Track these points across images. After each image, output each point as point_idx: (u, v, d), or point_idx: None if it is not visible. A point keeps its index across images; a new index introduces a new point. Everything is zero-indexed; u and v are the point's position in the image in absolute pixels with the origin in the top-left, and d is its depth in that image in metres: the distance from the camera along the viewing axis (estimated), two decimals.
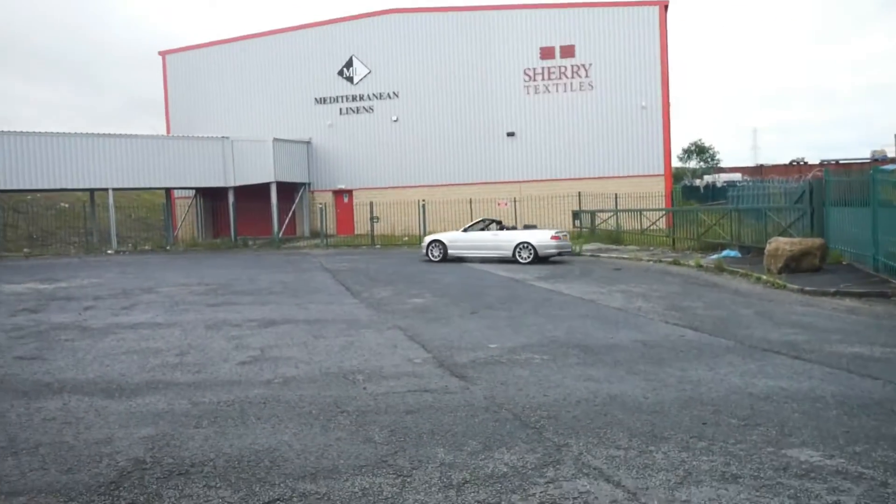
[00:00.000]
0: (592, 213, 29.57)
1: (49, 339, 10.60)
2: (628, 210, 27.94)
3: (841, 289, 13.37)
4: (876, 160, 54.60)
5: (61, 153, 31.66)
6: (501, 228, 22.60)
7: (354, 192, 36.88)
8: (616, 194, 30.18)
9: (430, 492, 4.75)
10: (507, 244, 21.62)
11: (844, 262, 16.38)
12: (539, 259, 21.04)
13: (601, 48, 33.68)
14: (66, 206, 42.03)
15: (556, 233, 21.55)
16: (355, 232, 35.97)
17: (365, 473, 5.09)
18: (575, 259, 21.82)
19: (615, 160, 33.66)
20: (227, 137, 35.57)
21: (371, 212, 32.18)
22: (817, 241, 16.08)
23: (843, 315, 11.36)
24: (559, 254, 21.50)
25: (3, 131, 31.17)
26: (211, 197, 38.78)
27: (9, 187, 31.27)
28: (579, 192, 31.83)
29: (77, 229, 37.69)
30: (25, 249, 33.30)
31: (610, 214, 28.47)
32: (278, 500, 4.69)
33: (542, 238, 21.22)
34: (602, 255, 22.36)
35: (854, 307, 12.05)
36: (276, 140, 34.63)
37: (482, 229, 22.86)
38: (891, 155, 61.90)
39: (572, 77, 34.09)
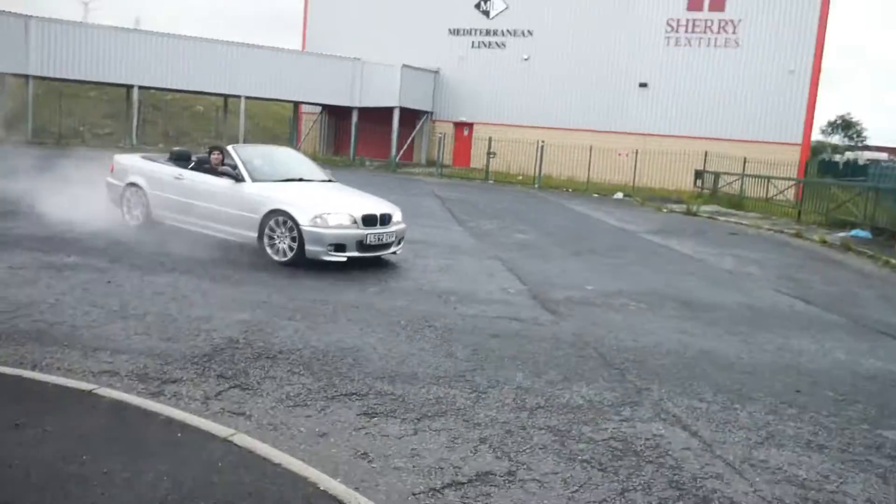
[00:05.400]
0: (716, 175, 28.30)
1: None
2: (755, 176, 26.54)
3: None
4: None
5: (201, 58, 32.85)
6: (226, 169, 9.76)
7: (475, 126, 36.66)
8: (745, 158, 28.69)
9: (502, 410, 4.78)
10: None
11: None
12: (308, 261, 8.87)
13: (755, 4, 31.59)
14: (201, 109, 43.96)
15: (359, 212, 9.04)
16: (471, 165, 35.90)
17: (442, 384, 5.17)
18: (691, 219, 21.02)
19: (750, 123, 31.83)
20: (359, 59, 35.91)
21: (489, 147, 31.98)
22: None
23: None
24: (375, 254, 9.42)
25: (145, 31, 32.67)
26: (335, 115, 39.51)
27: (149, 84, 32.88)
28: (706, 152, 30.47)
29: (209, 132, 39.41)
30: (160, 145, 35.19)
31: (735, 178, 27.17)
32: (355, 394, 4.85)
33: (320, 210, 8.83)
34: (720, 217, 21.43)
35: None
36: (404, 66, 34.69)
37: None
38: None
39: (718, 32, 32.22)
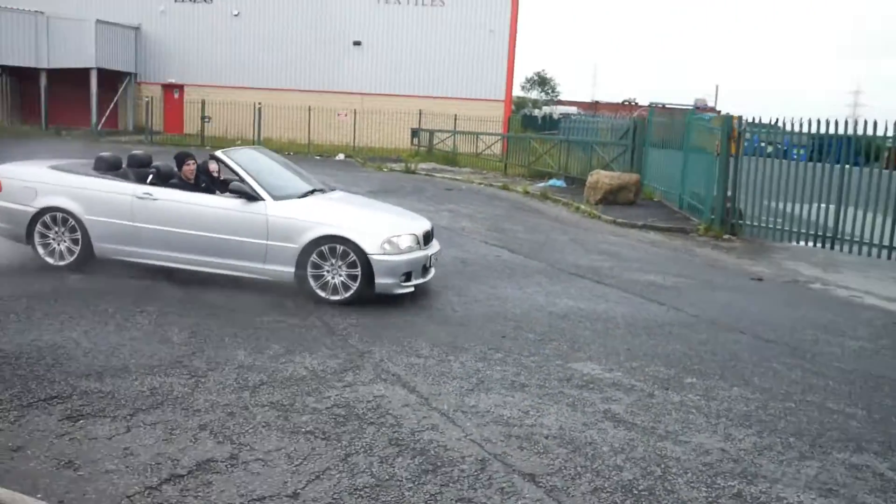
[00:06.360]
0: (431, 133, 29.68)
1: None
2: (466, 133, 28.28)
3: (648, 222, 14.35)
4: (697, 108, 58.58)
5: None
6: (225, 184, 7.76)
7: (186, 88, 34.59)
8: (455, 115, 30.41)
9: (223, 392, 4.67)
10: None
11: (656, 199, 17.55)
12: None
13: None
14: None
15: (420, 229, 7.52)
16: (184, 131, 33.91)
17: (157, 373, 4.91)
18: (410, 177, 21.89)
19: (458, 81, 33.72)
20: (42, 12, 31.97)
21: (203, 110, 30.45)
22: (634, 176, 17.09)
23: (646, 246, 12.24)
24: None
25: None
26: (20, 78, 34.95)
27: None
28: (420, 110, 31.75)
29: None
30: None
31: (448, 135, 28.72)
32: (56, 397, 4.43)
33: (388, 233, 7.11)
34: (436, 174, 22.58)
35: (656, 240, 13.00)
36: (99, 21, 31.54)
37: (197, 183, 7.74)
38: (711, 104, 66.54)
39: None
